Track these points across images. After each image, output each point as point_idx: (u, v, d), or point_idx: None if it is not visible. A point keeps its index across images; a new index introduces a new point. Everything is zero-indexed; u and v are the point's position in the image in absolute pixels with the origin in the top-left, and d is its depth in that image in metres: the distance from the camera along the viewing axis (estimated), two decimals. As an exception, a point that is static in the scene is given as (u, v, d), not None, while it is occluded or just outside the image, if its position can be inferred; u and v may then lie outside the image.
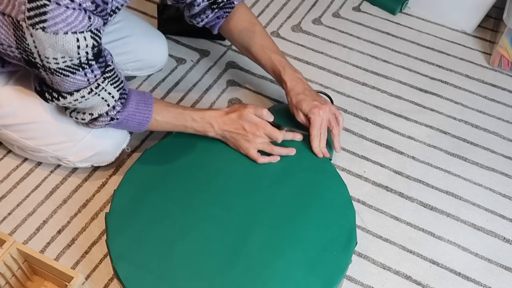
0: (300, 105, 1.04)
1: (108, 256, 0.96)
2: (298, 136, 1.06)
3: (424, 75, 1.38)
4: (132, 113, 0.97)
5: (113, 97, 0.92)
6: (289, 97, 1.07)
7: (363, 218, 1.10)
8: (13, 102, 1.00)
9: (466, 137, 1.25)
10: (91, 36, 0.80)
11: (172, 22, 1.38)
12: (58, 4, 0.74)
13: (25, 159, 1.16)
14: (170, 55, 1.37)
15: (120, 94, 0.94)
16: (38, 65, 0.82)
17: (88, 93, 0.88)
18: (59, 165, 1.15)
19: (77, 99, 0.88)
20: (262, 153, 1.03)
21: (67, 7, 0.75)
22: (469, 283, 1.03)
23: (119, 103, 0.95)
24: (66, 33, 0.76)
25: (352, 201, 0.99)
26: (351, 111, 1.29)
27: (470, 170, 1.19)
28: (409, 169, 1.19)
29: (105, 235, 0.96)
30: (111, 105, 0.93)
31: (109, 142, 1.06)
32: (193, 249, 0.90)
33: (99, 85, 0.88)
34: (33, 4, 0.74)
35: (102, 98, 0.91)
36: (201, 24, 1.12)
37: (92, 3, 0.78)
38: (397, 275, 1.03)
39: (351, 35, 1.48)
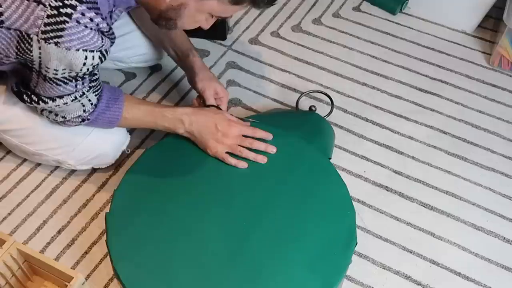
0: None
1: (108, 256, 0.96)
2: (270, 149, 1.01)
3: (424, 75, 1.38)
4: (102, 111, 0.96)
5: (91, 103, 0.93)
6: None
7: (363, 218, 1.10)
8: (10, 107, 1.00)
9: (466, 137, 1.25)
10: (99, 56, 0.82)
11: (172, 22, 1.38)
12: (78, 22, 0.76)
13: (25, 160, 1.16)
14: (170, 55, 1.37)
15: (97, 99, 0.94)
16: (34, 70, 0.83)
17: (72, 101, 0.89)
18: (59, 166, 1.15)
19: (58, 105, 0.89)
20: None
21: (86, 26, 0.78)
22: (469, 283, 1.03)
23: (93, 106, 0.94)
24: (78, 50, 0.79)
25: (352, 201, 0.99)
26: (351, 111, 1.29)
27: (470, 170, 1.19)
28: (409, 169, 1.19)
29: (105, 235, 0.96)
30: (87, 110, 0.93)
31: (109, 145, 1.06)
32: (193, 249, 0.90)
33: (84, 93, 0.89)
34: (52, 20, 0.75)
35: (82, 104, 0.92)
36: None
37: (107, 24, 0.80)
38: (397, 275, 1.03)
39: (351, 35, 1.48)
